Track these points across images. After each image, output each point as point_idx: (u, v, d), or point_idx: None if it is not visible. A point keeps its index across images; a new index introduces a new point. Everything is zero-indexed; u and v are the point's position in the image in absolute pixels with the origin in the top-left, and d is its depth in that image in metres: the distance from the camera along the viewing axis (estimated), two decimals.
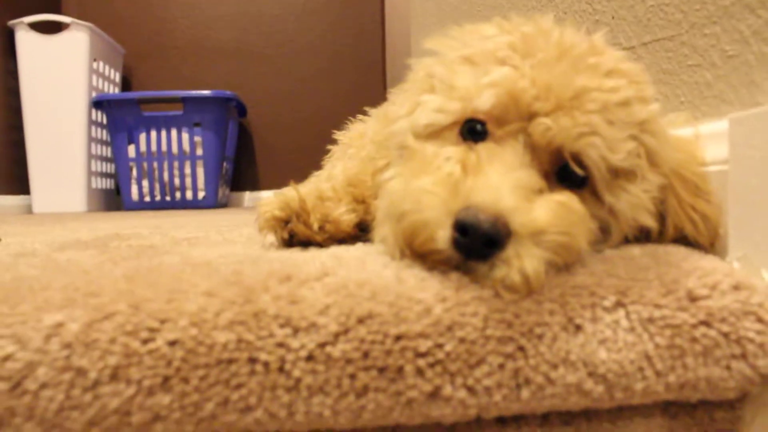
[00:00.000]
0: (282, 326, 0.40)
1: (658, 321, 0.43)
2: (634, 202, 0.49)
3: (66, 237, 0.83)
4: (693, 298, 0.44)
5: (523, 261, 0.41)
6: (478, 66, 0.50)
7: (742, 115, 0.48)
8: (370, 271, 0.45)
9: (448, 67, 0.52)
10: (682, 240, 0.54)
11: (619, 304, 0.43)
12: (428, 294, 0.42)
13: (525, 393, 0.41)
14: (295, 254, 0.52)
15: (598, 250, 0.49)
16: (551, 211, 0.43)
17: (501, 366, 0.41)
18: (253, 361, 0.39)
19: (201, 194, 2.74)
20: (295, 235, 0.58)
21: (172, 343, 0.39)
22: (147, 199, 2.72)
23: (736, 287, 0.45)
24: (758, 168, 0.47)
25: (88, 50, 2.58)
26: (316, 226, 0.58)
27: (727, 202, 0.50)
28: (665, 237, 0.53)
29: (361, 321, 0.40)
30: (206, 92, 2.66)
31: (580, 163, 0.47)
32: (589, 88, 0.47)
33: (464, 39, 0.54)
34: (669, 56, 0.65)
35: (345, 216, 0.59)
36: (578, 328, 0.42)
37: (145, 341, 0.39)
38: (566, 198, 0.45)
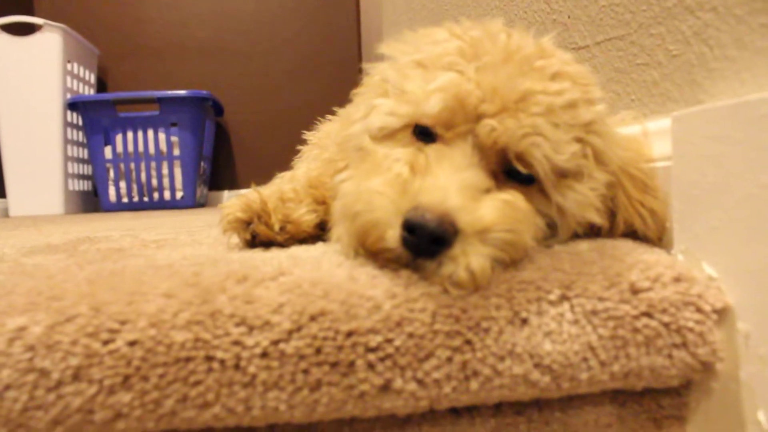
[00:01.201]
0: (237, 325, 0.41)
1: (602, 313, 0.45)
2: (581, 200, 0.51)
3: (37, 241, 0.84)
4: (635, 291, 0.46)
5: (469, 258, 0.43)
6: (428, 70, 0.52)
7: (684, 113, 0.50)
8: (324, 270, 0.46)
9: (400, 72, 0.54)
10: (632, 234, 0.56)
11: (564, 298, 0.45)
12: (378, 291, 0.43)
13: (474, 384, 0.43)
14: (256, 255, 0.54)
15: (546, 246, 0.51)
16: (497, 209, 0.45)
17: (449, 359, 0.42)
18: (209, 359, 0.40)
19: (179, 194, 2.74)
20: (257, 235, 0.59)
21: (132, 344, 0.40)
22: (125, 200, 2.71)
23: (677, 279, 0.47)
24: (698, 164, 0.49)
25: (62, 51, 2.56)
26: (277, 227, 0.59)
27: (671, 197, 0.52)
28: (615, 232, 0.55)
29: (313, 318, 0.42)
30: (182, 92, 2.65)
31: (525, 163, 0.49)
32: (534, 91, 0.48)
33: (417, 43, 0.56)
34: (620, 55, 0.67)
35: (305, 216, 0.60)
36: (524, 321, 0.44)
37: (105, 342, 0.40)
38: (512, 196, 0.47)
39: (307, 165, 0.75)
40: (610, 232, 0.55)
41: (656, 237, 0.55)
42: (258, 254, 0.54)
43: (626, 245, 0.52)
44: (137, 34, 3.12)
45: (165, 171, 2.71)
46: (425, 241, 0.42)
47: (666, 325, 0.45)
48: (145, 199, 2.72)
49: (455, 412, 0.48)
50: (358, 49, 3.24)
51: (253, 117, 3.20)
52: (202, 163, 2.84)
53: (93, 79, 2.92)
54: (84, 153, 2.81)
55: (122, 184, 2.72)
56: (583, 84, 0.52)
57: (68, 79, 2.63)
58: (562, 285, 0.46)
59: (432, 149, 0.49)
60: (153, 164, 2.69)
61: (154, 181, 2.72)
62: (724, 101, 0.46)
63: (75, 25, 2.74)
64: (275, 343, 0.41)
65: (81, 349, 0.40)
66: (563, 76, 0.51)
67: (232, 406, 0.41)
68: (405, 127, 0.53)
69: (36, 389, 0.39)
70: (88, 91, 2.86)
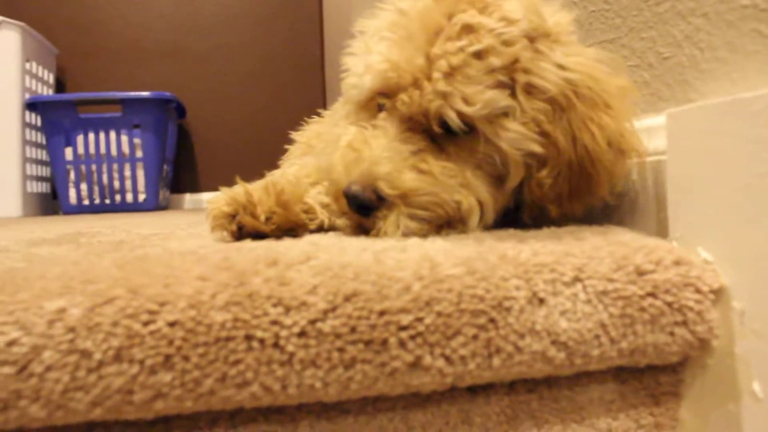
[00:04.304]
0: (275, 305, 0.43)
1: (611, 293, 0.48)
2: (515, 137, 0.57)
3: (27, 236, 0.83)
4: (641, 273, 0.49)
5: (392, 218, 0.56)
6: (370, 45, 0.60)
7: (679, 110, 0.54)
8: (350, 254, 0.48)
9: (366, 45, 0.61)
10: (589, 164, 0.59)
11: (576, 279, 0.48)
12: (406, 273, 0.45)
13: (496, 361, 0.46)
14: (273, 243, 0.55)
15: (503, 192, 0.60)
16: (416, 178, 0.57)
17: (475, 337, 0.45)
18: (249, 338, 0.42)
19: (141, 197, 2.70)
20: (243, 227, 0.61)
21: (172, 324, 0.41)
22: (86, 202, 2.66)
23: (677, 262, 0.50)
24: (693, 157, 0.53)
25: (21, 50, 2.50)
26: (263, 218, 0.61)
27: (666, 189, 0.56)
28: (563, 153, 0.59)
29: (347, 299, 0.43)
30: (145, 93, 2.62)
31: (445, 123, 0.57)
32: (437, 55, 0.56)
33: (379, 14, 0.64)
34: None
35: (295, 207, 0.63)
36: (542, 301, 0.47)
37: (146, 323, 0.41)
38: (431, 165, 0.58)
39: (298, 168, 0.78)
40: (559, 157, 0.59)
41: (605, 148, 0.58)
42: (276, 243, 0.55)
43: (626, 232, 0.56)
44: (96, 34, 3.06)
45: (127, 173, 2.67)
46: (356, 207, 0.57)
47: (669, 304, 0.49)
48: (107, 201, 2.67)
49: (471, 390, 0.50)
50: (321, 49, 3.26)
51: (215, 119, 3.18)
52: (164, 166, 2.81)
53: (51, 79, 2.86)
54: (43, 154, 2.74)
55: (83, 186, 2.67)
56: (502, 27, 0.56)
57: (27, 78, 2.57)
58: (574, 267, 0.49)
59: (375, 122, 0.59)
60: (115, 166, 2.65)
61: (116, 183, 2.67)
62: (718, 99, 0.50)
63: (32, 23, 2.68)
64: (312, 322, 0.43)
65: (122, 330, 0.41)
66: (473, 28, 0.56)
67: (270, 384, 0.42)
68: (366, 100, 0.61)
69: (77, 370, 0.40)
70: (47, 92, 2.80)
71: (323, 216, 0.65)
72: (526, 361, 0.46)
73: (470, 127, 0.57)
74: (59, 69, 3.00)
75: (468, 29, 0.56)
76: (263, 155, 3.06)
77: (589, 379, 0.52)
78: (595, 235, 0.54)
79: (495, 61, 0.55)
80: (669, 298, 0.49)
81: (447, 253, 0.49)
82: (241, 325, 0.42)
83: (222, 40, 3.18)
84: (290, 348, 0.42)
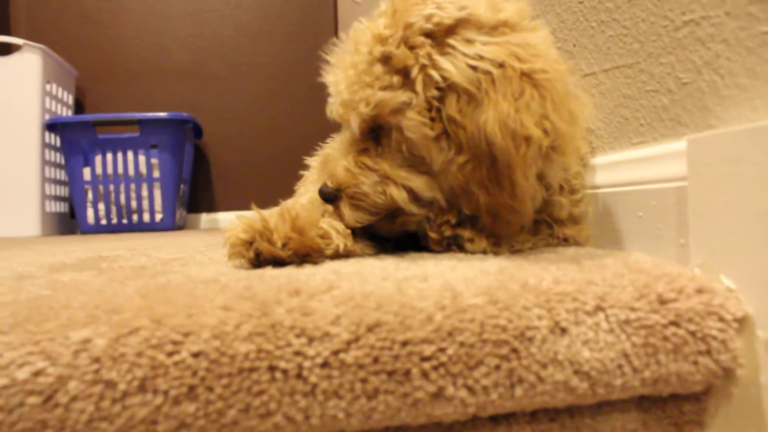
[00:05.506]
0: (298, 336, 0.43)
1: (634, 322, 0.48)
2: (412, 124, 0.63)
3: (47, 260, 0.84)
4: (663, 301, 0.49)
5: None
6: None
7: (700, 136, 0.54)
8: (371, 283, 0.48)
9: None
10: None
11: (598, 308, 0.48)
12: (428, 303, 0.45)
13: (518, 391, 0.45)
14: (294, 270, 0.56)
15: (436, 176, 0.65)
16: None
17: (497, 367, 0.45)
18: (272, 369, 0.42)
19: (158, 217, 2.72)
20: (260, 253, 0.61)
21: (196, 355, 0.41)
22: (103, 222, 2.68)
23: (700, 290, 0.50)
24: (714, 183, 0.52)
25: (42, 72, 2.55)
26: (279, 244, 0.61)
27: (687, 215, 0.56)
28: (472, 138, 0.60)
29: (370, 329, 0.44)
30: (163, 114, 2.64)
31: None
32: (347, 68, 0.66)
33: None
34: (629, 82, 0.71)
35: (311, 231, 0.63)
36: (564, 330, 0.47)
37: (170, 353, 0.41)
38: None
39: (312, 193, 0.80)
40: (470, 141, 0.61)
41: (499, 140, 0.58)
42: (296, 270, 0.56)
43: (649, 259, 0.55)
44: (115, 56, 3.11)
45: (144, 193, 2.70)
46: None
47: (692, 333, 0.48)
48: (124, 221, 2.69)
49: (493, 419, 0.50)
50: None
51: (232, 140, 3.20)
52: (181, 186, 2.83)
53: (71, 101, 2.90)
54: (62, 174, 2.78)
55: (101, 206, 2.69)
56: (399, 32, 0.62)
57: (47, 100, 2.61)
58: (596, 296, 0.48)
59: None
60: (132, 186, 2.68)
61: (134, 203, 2.70)
62: (739, 126, 0.50)
63: (52, 45, 2.72)
64: (335, 353, 0.43)
65: (146, 361, 0.41)
66: (381, 38, 0.63)
67: (293, 415, 0.42)
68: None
69: (102, 400, 0.40)
70: (66, 112, 2.84)
71: (339, 241, 0.65)
72: (548, 391, 0.46)
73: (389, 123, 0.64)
74: (78, 90, 3.04)
75: (378, 40, 0.63)
76: (279, 176, 3.08)
77: (611, 408, 0.52)
78: (616, 262, 0.54)
79: (389, 64, 0.62)
80: (692, 327, 0.48)
81: (468, 282, 0.49)
82: (264, 355, 0.42)
83: (239, 60, 3.21)
84: (313, 379, 0.42)
